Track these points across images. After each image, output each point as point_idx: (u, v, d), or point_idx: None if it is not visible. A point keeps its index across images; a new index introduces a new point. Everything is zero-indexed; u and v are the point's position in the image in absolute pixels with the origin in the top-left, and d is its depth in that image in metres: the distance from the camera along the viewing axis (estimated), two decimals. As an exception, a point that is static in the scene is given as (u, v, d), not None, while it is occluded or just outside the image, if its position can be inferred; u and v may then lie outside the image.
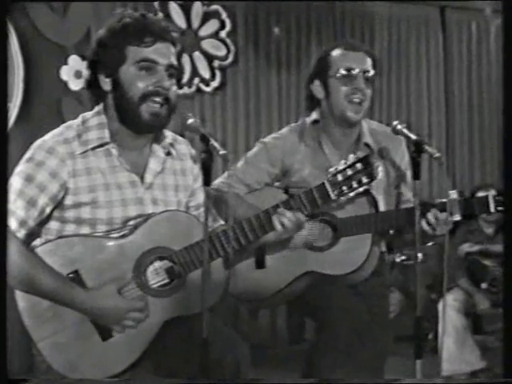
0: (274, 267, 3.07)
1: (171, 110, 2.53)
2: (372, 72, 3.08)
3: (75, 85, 5.09)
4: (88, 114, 2.59)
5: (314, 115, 3.16)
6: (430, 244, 2.91)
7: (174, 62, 2.53)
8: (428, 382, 2.94)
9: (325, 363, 2.89)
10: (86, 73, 2.59)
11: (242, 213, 2.73)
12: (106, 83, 2.52)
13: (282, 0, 6.14)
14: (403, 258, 5.78)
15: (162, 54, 2.50)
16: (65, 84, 5.14)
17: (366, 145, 3.11)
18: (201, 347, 2.25)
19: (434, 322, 4.86)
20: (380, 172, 2.80)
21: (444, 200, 2.92)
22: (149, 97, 2.47)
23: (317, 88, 3.13)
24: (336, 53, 3.09)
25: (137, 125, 2.52)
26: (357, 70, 3.03)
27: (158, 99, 2.47)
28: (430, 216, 2.90)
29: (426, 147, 2.73)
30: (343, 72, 3.04)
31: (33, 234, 2.50)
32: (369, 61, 3.09)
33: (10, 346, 2.16)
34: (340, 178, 2.64)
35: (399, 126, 2.88)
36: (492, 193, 3.06)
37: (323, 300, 3.01)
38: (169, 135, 2.66)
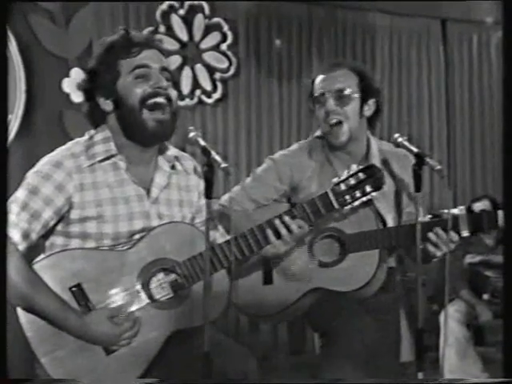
0: (281, 283, 3.06)
1: (174, 116, 2.54)
2: (347, 90, 3.07)
3: (77, 97, 5.10)
4: (93, 131, 2.61)
5: (319, 132, 3.18)
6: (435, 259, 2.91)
7: (166, 65, 2.57)
8: (430, 382, 2.94)
9: (333, 378, 2.89)
10: (84, 103, 2.62)
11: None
12: (107, 104, 2.56)
13: (283, 0, 6.15)
14: (404, 279, 5.75)
15: (152, 58, 2.55)
16: (67, 96, 5.15)
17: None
18: (204, 361, 2.25)
19: (435, 333, 4.84)
20: (385, 182, 2.79)
21: (448, 213, 2.91)
22: (149, 99, 2.49)
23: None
24: (318, 77, 3.13)
25: (142, 136, 2.53)
26: (327, 93, 3.06)
27: (159, 100, 2.50)
28: (432, 236, 2.89)
29: (428, 160, 2.73)
30: (316, 96, 3.08)
31: (35, 248, 2.50)
32: (348, 78, 3.09)
33: (12, 361, 2.16)
34: (343, 187, 2.65)
35: (400, 139, 2.89)
36: (485, 203, 3.04)
37: (330, 316, 3.00)
38: (173, 149, 2.68)
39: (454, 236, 2.89)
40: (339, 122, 3.05)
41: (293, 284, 3.03)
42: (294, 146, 3.26)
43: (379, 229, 3.03)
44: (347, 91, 3.06)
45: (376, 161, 3.11)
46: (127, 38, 2.56)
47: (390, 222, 3.13)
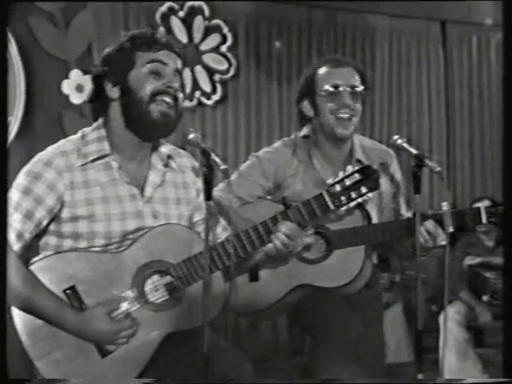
0: (267, 280, 3.07)
1: (179, 115, 2.54)
2: (360, 87, 3.08)
3: (76, 99, 5.11)
4: (87, 129, 2.59)
5: (305, 131, 3.18)
6: (424, 257, 2.92)
7: (180, 68, 2.58)
8: (429, 382, 2.94)
9: (321, 375, 2.90)
10: (90, 86, 2.61)
11: (236, 226, 2.73)
12: (113, 91, 2.53)
13: (282, 1, 6.16)
14: (403, 278, 5.77)
15: (170, 57, 2.54)
16: (66, 98, 5.15)
17: (358, 161, 3.12)
18: (202, 363, 2.25)
19: (435, 335, 4.85)
20: (380, 183, 2.79)
21: (436, 212, 2.94)
22: (158, 95, 2.48)
23: (306, 106, 3.14)
24: (322, 71, 3.11)
25: (145, 126, 2.51)
26: (342, 86, 3.04)
27: (167, 99, 2.49)
28: (422, 228, 2.91)
29: (427, 161, 2.73)
30: (329, 89, 3.05)
31: (29, 248, 2.49)
32: (356, 76, 3.09)
33: (11, 366, 2.15)
34: (338, 188, 2.64)
35: (399, 141, 2.89)
36: (485, 203, 3.06)
37: (317, 312, 3.01)
38: (167, 147, 2.67)
39: (441, 230, 2.91)
40: (350, 117, 3.06)
41: (279, 281, 3.04)
42: (278, 143, 3.26)
43: (365, 225, 3.04)
44: (360, 88, 3.08)
45: (360, 157, 3.13)
46: (151, 36, 2.56)
47: (375, 219, 3.14)
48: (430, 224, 2.91)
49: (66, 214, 2.48)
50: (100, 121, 2.59)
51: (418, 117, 6.79)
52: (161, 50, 2.53)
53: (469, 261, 5.42)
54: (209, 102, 5.92)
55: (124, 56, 2.52)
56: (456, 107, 6.97)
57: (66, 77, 5.16)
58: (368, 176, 2.64)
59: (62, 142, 2.57)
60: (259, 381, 2.62)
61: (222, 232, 2.73)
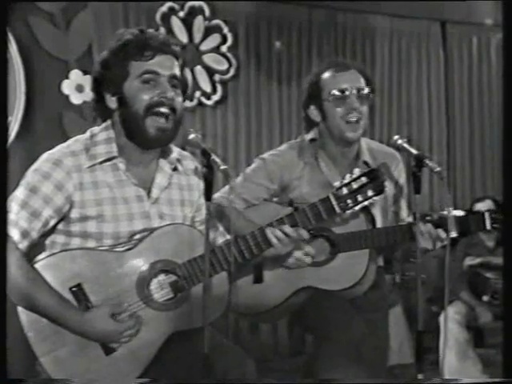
0: (271, 282, 3.07)
1: (177, 123, 2.54)
2: (366, 89, 3.08)
3: (76, 99, 5.11)
4: (96, 129, 2.61)
5: (312, 134, 3.18)
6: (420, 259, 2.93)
7: (177, 73, 2.56)
8: (428, 382, 2.94)
9: (322, 376, 2.90)
10: (91, 93, 2.61)
11: (240, 227, 2.73)
12: (111, 101, 2.55)
13: (282, 1, 6.16)
14: (404, 278, 5.77)
15: (164, 65, 2.52)
16: (66, 98, 5.15)
17: (365, 163, 3.12)
18: (203, 362, 2.25)
19: (435, 335, 4.84)
20: (386, 186, 2.80)
21: (440, 216, 2.94)
22: (153, 108, 2.48)
23: (313, 112, 3.15)
24: (326, 75, 3.12)
25: (143, 140, 2.53)
26: (349, 90, 3.05)
27: (163, 110, 2.49)
28: (422, 230, 2.91)
29: (427, 162, 2.74)
30: (336, 94, 3.06)
31: (35, 246, 2.50)
32: (360, 78, 3.11)
33: (13, 362, 2.15)
34: (345, 191, 2.64)
35: (400, 141, 2.90)
36: (487, 204, 3.05)
37: (321, 314, 3.02)
38: (175, 150, 2.68)
39: (442, 234, 2.91)
40: (358, 120, 3.07)
41: (283, 283, 3.04)
42: (284, 146, 3.27)
43: (369, 229, 3.04)
44: (366, 90, 3.08)
45: (367, 158, 3.13)
46: (142, 40, 2.53)
47: (379, 221, 3.14)
48: (430, 227, 2.91)
49: (75, 214, 2.49)
50: (109, 122, 2.60)
51: (418, 117, 6.78)
52: (154, 56, 2.51)
53: (469, 261, 5.42)
54: (209, 102, 5.91)
55: (118, 65, 2.52)
56: (456, 107, 6.96)
57: (66, 77, 5.16)
58: (374, 179, 2.64)
59: (70, 141, 2.58)
60: (259, 381, 2.62)
61: (220, 237, 2.73)
